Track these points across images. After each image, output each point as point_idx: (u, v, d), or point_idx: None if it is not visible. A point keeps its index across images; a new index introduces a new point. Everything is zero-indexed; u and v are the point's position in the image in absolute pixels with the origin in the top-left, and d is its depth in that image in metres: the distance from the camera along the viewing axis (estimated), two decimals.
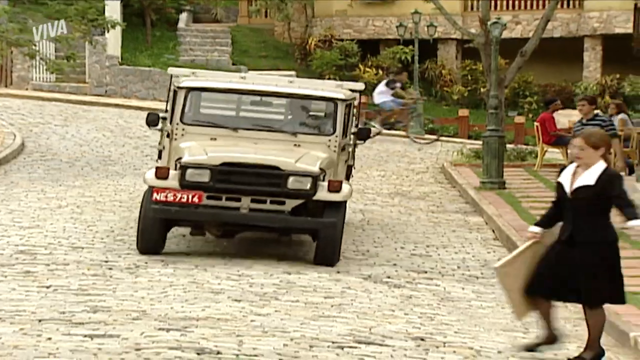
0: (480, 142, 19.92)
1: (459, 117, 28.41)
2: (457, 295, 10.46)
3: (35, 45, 21.42)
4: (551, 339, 8.10)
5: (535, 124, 20.35)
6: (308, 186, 11.41)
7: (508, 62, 25.15)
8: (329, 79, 28.28)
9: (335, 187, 11.49)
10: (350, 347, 7.89)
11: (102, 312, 8.62)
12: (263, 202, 11.44)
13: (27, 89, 30.03)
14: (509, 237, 13.28)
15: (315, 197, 11.45)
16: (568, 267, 7.76)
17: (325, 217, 11.47)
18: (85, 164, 19.10)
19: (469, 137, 27.04)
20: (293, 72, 29.35)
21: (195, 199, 11.35)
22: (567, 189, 7.77)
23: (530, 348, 8.14)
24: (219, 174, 11.39)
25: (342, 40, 32.86)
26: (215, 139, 12.10)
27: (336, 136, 12.33)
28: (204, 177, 11.39)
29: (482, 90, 29.30)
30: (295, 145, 12.13)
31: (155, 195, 11.39)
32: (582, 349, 8.54)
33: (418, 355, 7.77)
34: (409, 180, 19.40)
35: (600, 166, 7.74)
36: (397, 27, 30.66)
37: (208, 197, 11.41)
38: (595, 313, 7.87)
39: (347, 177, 13.61)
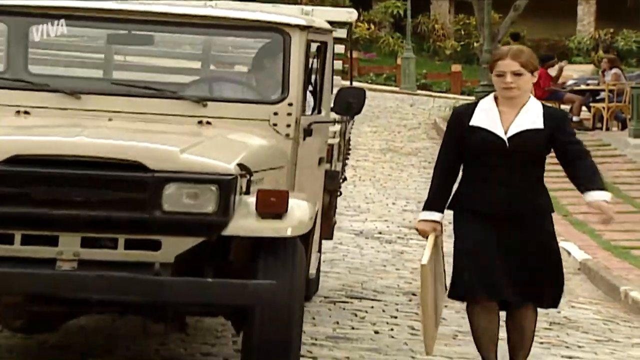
0: (473, 98, 19.87)
1: (451, 72, 28.38)
2: (448, 250, 10.46)
3: None
4: None
5: None
6: (210, 205, 5.16)
7: (501, 17, 25.07)
8: None
9: (271, 205, 5.19)
10: (342, 302, 7.92)
11: None
12: (109, 245, 5.22)
13: None
14: None
15: (227, 232, 5.18)
16: (507, 254, 5.22)
17: (259, 276, 5.19)
18: None
19: (462, 93, 27.03)
20: None
21: None
22: (502, 136, 5.17)
23: None
24: (5, 183, 5.17)
25: None
26: (27, 112, 5.94)
27: (289, 104, 5.92)
28: None
29: (475, 45, 29.23)
30: (201, 122, 5.89)
31: None
32: (572, 305, 8.55)
33: (410, 310, 7.80)
34: (400, 136, 19.41)
35: (534, 102, 5.27)
36: None
37: None
38: (535, 315, 5.39)
39: (330, 200, 7.33)
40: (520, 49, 5.28)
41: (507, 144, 5.17)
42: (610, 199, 5.29)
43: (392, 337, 6.92)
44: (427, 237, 5.34)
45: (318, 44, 6.55)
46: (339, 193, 7.60)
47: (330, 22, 6.93)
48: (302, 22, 6.21)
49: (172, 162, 5.26)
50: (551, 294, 5.31)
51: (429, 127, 20.77)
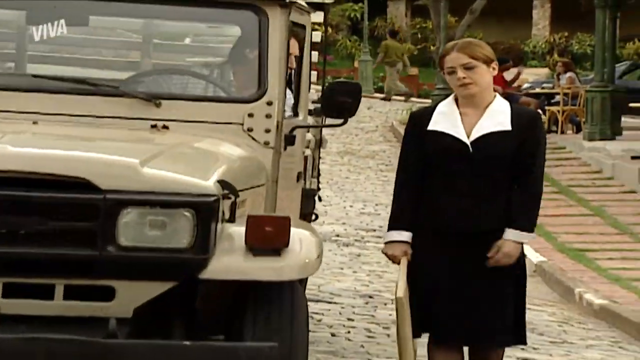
0: (430, 101, 19.96)
1: (408, 75, 28.47)
2: None
3: None
4: None
5: None
6: (183, 237, 3.88)
7: (458, 20, 25.18)
8: None
9: (267, 238, 3.96)
10: None
11: None
12: (42, 294, 3.88)
13: None
14: None
15: (207, 274, 3.91)
16: (469, 280, 4.48)
17: (248, 335, 3.98)
18: None
19: (419, 96, 27.12)
20: None
21: None
22: (464, 140, 4.49)
23: None
24: None
25: None
26: None
27: (268, 103, 4.71)
28: None
29: (431, 48, 29.35)
30: (155, 126, 4.62)
31: None
32: (527, 307, 8.60)
33: (366, 313, 7.81)
34: (358, 139, 19.47)
35: (501, 101, 4.58)
36: None
37: None
38: (502, 352, 4.67)
39: (306, 217, 6.11)
40: (468, 41, 4.63)
41: (470, 149, 4.47)
42: (528, 239, 4.50)
43: (349, 339, 6.93)
44: (398, 263, 4.51)
45: (300, 25, 5.20)
46: (314, 217, 6.24)
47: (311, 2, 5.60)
48: (282, 1, 4.80)
49: (130, 179, 3.88)
50: (506, 331, 4.53)
51: (386, 130, 20.86)
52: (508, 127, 4.50)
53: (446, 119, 4.53)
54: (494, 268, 4.47)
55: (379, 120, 22.29)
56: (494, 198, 4.47)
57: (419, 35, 32.61)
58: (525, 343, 4.67)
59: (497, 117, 4.52)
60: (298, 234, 4.02)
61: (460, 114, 4.53)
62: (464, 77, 4.48)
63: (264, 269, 3.91)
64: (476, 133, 4.50)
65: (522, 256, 4.59)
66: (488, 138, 4.49)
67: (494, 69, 4.54)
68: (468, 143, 4.48)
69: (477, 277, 4.47)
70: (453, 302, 4.47)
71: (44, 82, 4.72)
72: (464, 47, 4.53)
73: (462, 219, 4.45)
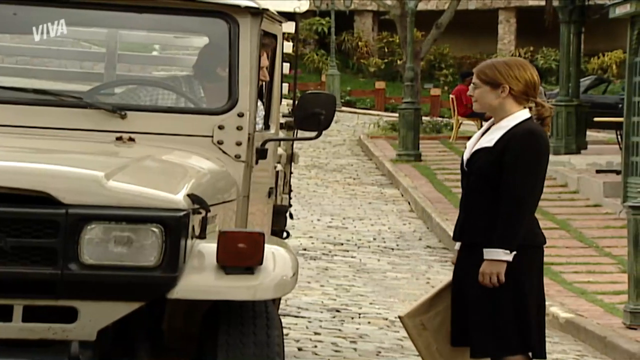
0: (397, 115, 20.03)
1: (375, 89, 28.59)
2: (373, 266, 10.56)
3: None
4: None
5: (451, 96, 20.55)
6: (151, 255, 3.71)
7: (424, 34, 25.31)
8: None
9: (240, 255, 3.78)
10: None
11: None
12: (1, 313, 3.71)
13: None
14: (424, 209, 13.42)
15: (176, 294, 3.75)
16: (463, 290, 4.62)
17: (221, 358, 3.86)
18: None
19: (386, 110, 27.21)
20: None
21: None
22: (465, 156, 4.70)
23: None
24: None
25: None
26: None
27: (239, 115, 4.52)
28: None
29: (398, 62, 29.47)
30: (120, 139, 4.43)
31: None
32: None
33: (333, 327, 7.82)
34: (325, 152, 19.49)
35: (510, 118, 4.59)
36: None
37: None
38: None
39: (276, 234, 5.81)
40: (486, 62, 4.70)
41: (464, 165, 4.65)
42: (508, 257, 4.52)
43: (316, 354, 6.93)
44: None
45: (273, 35, 5.04)
46: (285, 234, 6.01)
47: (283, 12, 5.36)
48: (253, 5, 4.63)
49: (94, 193, 3.68)
50: (482, 341, 4.53)
51: (353, 143, 20.89)
52: (491, 144, 4.60)
53: (476, 135, 4.76)
54: (469, 275, 4.58)
55: (346, 134, 22.33)
56: (484, 212, 4.58)
57: (386, 50, 32.73)
58: (508, 353, 4.57)
59: (493, 134, 4.62)
60: (272, 250, 3.84)
61: (487, 129, 4.70)
62: (471, 94, 4.70)
63: (236, 288, 3.72)
64: (474, 149, 4.66)
65: (515, 270, 4.57)
66: (477, 155, 4.64)
67: (502, 92, 4.58)
68: (464, 159, 4.68)
69: (469, 286, 4.58)
70: (454, 308, 4.63)
71: (3, 92, 4.48)
72: (478, 67, 4.69)
73: (461, 231, 4.69)
